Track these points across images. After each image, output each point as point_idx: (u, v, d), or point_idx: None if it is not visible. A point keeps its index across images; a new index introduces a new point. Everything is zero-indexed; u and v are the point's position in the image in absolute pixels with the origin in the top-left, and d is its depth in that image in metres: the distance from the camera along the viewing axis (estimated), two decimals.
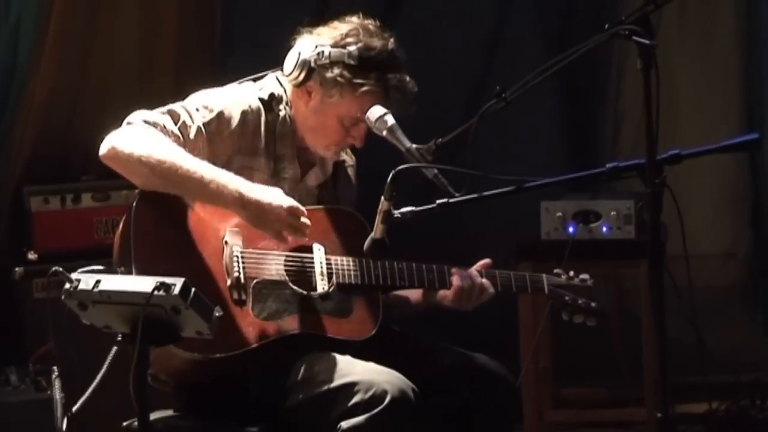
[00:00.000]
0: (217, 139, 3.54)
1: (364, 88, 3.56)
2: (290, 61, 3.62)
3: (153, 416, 3.29)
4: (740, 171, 5.78)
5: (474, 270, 3.69)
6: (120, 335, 3.07)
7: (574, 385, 5.47)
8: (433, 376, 3.54)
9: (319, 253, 3.56)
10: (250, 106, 3.59)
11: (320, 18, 3.75)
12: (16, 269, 4.96)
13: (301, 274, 3.53)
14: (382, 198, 3.30)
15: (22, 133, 5.18)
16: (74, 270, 3.08)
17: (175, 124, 3.49)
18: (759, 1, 5.58)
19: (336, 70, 3.57)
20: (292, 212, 3.40)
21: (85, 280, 3.02)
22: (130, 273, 3.33)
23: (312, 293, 3.51)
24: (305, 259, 3.55)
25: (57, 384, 3.21)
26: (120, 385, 3.06)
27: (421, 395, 3.38)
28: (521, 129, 5.53)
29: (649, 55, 3.00)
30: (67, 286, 3.02)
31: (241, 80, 3.71)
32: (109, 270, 3.27)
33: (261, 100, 3.62)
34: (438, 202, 3.30)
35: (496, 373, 3.65)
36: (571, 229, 4.95)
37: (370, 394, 3.30)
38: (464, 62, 5.72)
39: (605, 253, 4.95)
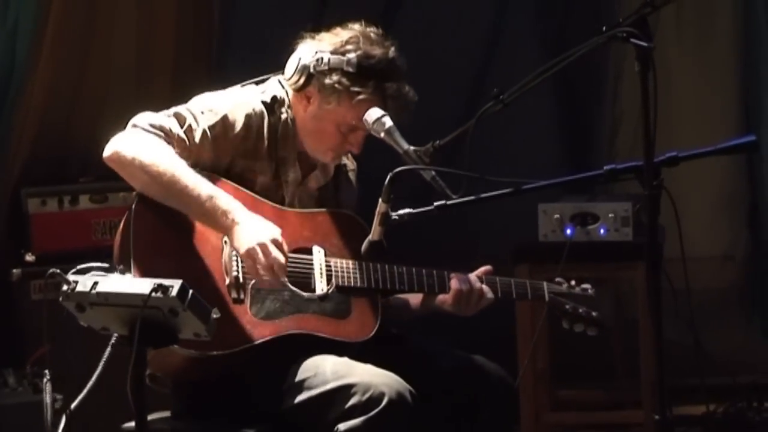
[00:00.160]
0: (222, 142, 3.54)
1: (361, 96, 3.56)
2: (291, 65, 3.63)
3: (150, 418, 3.29)
4: (738, 173, 5.78)
5: (474, 275, 3.70)
6: (114, 337, 3.07)
7: (571, 387, 5.47)
8: (431, 378, 3.54)
9: (319, 255, 3.56)
10: (253, 109, 3.60)
11: (319, 19, 3.75)
12: (14, 271, 4.96)
13: (301, 276, 3.53)
14: (380, 200, 3.30)
15: (19, 135, 5.18)
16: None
17: (181, 128, 3.49)
18: (756, 3, 5.58)
19: (334, 77, 3.57)
20: (274, 242, 3.40)
21: (83, 281, 3.02)
22: (129, 271, 3.34)
23: (311, 294, 3.52)
24: (305, 261, 3.55)
25: (48, 387, 3.20)
26: (118, 387, 3.05)
27: (419, 397, 3.38)
28: (519, 131, 5.54)
29: (646, 58, 3.00)
30: (65, 287, 3.02)
31: (244, 83, 3.72)
32: (108, 267, 3.30)
33: (264, 103, 3.62)
34: (436, 204, 3.30)
35: (494, 374, 3.65)
36: (568, 232, 4.95)
37: (367, 396, 3.30)
38: (462, 63, 5.73)
39: (603, 255, 4.95)
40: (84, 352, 3.74)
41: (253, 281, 3.46)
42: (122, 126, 3.51)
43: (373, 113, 3.54)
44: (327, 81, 3.58)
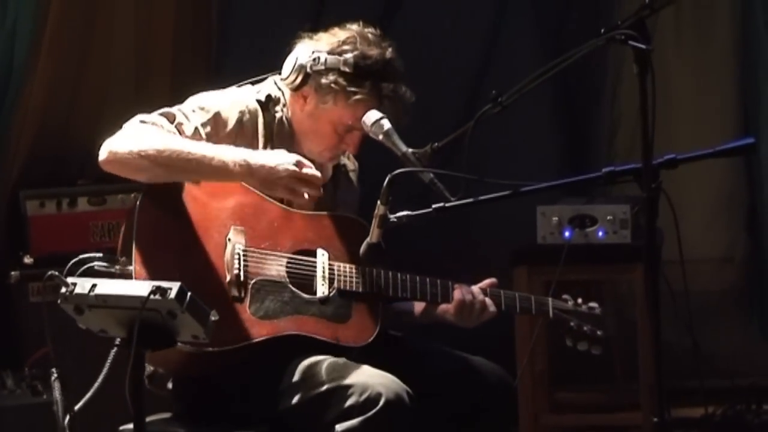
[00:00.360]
0: (214, 140, 3.54)
1: (357, 96, 3.56)
2: (288, 65, 3.63)
3: (149, 419, 3.29)
4: (736, 175, 5.78)
5: (477, 287, 3.70)
6: (119, 339, 3.07)
7: (570, 389, 5.48)
8: (429, 379, 3.54)
9: (322, 257, 3.56)
10: (247, 107, 3.60)
11: (317, 18, 3.75)
12: (12, 273, 4.96)
13: (302, 277, 3.54)
14: (379, 202, 3.30)
15: (18, 137, 5.18)
16: (70, 274, 3.08)
17: (171, 124, 3.50)
18: (754, 6, 5.59)
19: (331, 77, 3.57)
20: (299, 165, 3.42)
21: (81, 284, 3.02)
22: (130, 263, 3.35)
23: (311, 296, 3.52)
24: (308, 263, 3.55)
25: (57, 385, 3.20)
26: (117, 389, 3.05)
27: (418, 398, 3.38)
28: (518, 133, 5.54)
29: (644, 60, 3.00)
30: (64, 290, 3.02)
31: (241, 83, 3.72)
32: (103, 256, 3.29)
33: (258, 101, 3.63)
34: (434, 206, 3.30)
35: (493, 375, 3.65)
36: (567, 234, 4.95)
37: (364, 397, 3.30)
38: (461, 64, 5.73)
39: (601, 257, 4.95)
40: (83, 355, 3.75)
41: (254, 280, 3.46)
42: (120, 127, 3.51)
43: (372, 115, 3.54)
44: (323, 81, 3.58)
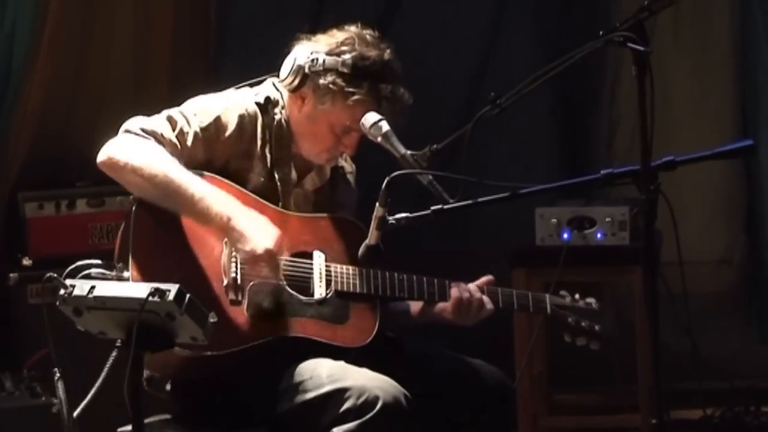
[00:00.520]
0: (215, 144, 3.55)
1: (356, 97, 3.57)
2: (286, 66, 3.64)
3: (147, 421, 3.29)
4: (735, 177, 5.78)
5: (474, 285, 3.70)
6: (119, 340, 3.07)
7: (568, 391, 5.48)
8: (427, 382, 3.54)
9: (319, 259, 3.57)
10: (246, 110, 3.60)
11: (316, 19, 3.75)
12: (11, 275, 4.95)
13: (300, 279, 3.54)
14: (377, 204, 3.30)
15: (17, 138, 5.18)
16: (69, 276, 3.08)
17: (173, 131, 3.50)
18: (753, 7, 5.59)
19: (329, 78, 3.58)
20: (268, 254, 3.41)
21: (80, 285, 3.02)
22: (127, 269, 3.35)
23: (308, 298, 3.52)
24: (305, 265, 3.55)
25: (60, 385, 3.21)
26: (115, 391, 3.05)
27: (416, 401, 3.38)
28: (516, 135, 5.54)
29: (643, 62, 3.00)
30: (62, 292, 3.02)
31: (239, 85, 3.73)
32: (102, 263, 3.29)
33: (257, 104, 3.63)
34: (433, 208, 3.30)
35: (491, 377, 3.66)
36: (565, 236, 4.95)
37: (362, 400, 3.30)
38: (460, 65, 5.72)
39: (600, 259, 4.95)
40: (82, 356, 3.74)
41: (252, 283, 3.46)
42: (119, 129, 3.51)
43: (370, 117, 3.54)
44: (321, 81, 3.58)
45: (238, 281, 3.45)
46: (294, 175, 3.68)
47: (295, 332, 3.47)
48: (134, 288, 3.01)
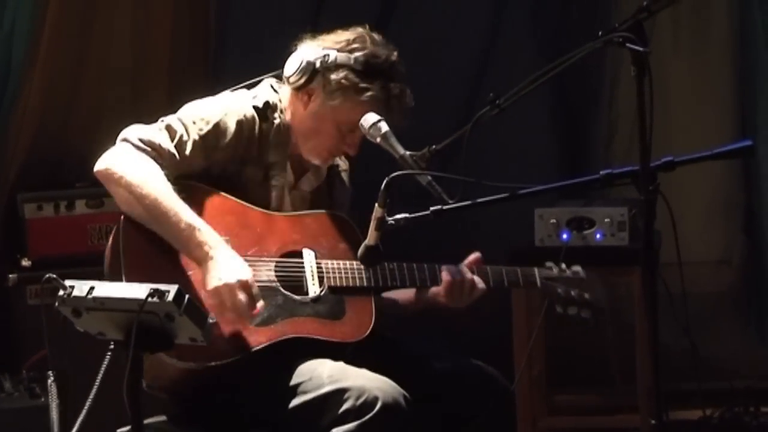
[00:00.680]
0: (213, 151, 3.55)
1: (368, 93, 3.57)
2: (293, 63, 3.63)
3: (146, 422, 3.29)
4: (734, 178, 5.78)
5: (464, 265, 3.70)
6: (112, 343, 3.07)
7: (568, 392, 5.47)
8: (426, 383, 3.54)
9: (309, 257, 3.57)
10: (245, 116, 3.60)
11: (315, 21, 3.75)
12: (10, 276, 4.95)
13: (292, 279, 3.54)
14: (376, 205, 3.30)
15: (16, 139, 5.17)
16: (68, 277, 3.08)
17: (172, 141, 3.49)
18: (752, 8, 5.58)
19: (341, 73, 3.58)
20: (233, 298, 3.35)
21: (79, 286, 3.02)
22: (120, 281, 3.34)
23: (303, 297, 3.52)
24: (296, 264, 3.55)
25: (53, 389, 3.21)
26: (114, 392, 3.05)
27: (415, 402, 3.38)
28: (515, 136, 5.53)
29: (642, 62, 3.00)
30: (61, 292, 3.02)
31: (235, 87, 3.72)
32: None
33: (255, 108, 3.63)
34: (432, 209, 3.29)
35: (490, 378, 3.66)
36: (564, 236, 4.94)
37: (361, 400, 3.30)
38: (459, 66, 5.72)
39: (599, 259, 4.91)
40: (81, 357, 3.74)
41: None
42: (118, 131, 3.51)
43: (370, 118, 3.54)
44: (333, 77, 3.59)
45: None
46: (291, 177, 3.68)
47: (295, 332, 3.47)
48: (133, 289, 3.01)
